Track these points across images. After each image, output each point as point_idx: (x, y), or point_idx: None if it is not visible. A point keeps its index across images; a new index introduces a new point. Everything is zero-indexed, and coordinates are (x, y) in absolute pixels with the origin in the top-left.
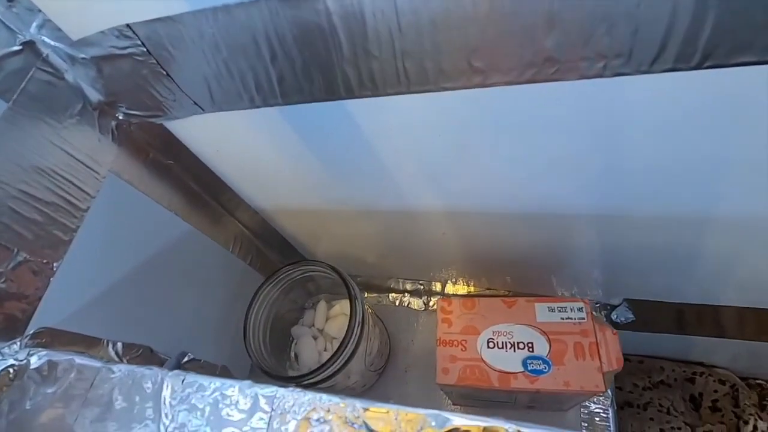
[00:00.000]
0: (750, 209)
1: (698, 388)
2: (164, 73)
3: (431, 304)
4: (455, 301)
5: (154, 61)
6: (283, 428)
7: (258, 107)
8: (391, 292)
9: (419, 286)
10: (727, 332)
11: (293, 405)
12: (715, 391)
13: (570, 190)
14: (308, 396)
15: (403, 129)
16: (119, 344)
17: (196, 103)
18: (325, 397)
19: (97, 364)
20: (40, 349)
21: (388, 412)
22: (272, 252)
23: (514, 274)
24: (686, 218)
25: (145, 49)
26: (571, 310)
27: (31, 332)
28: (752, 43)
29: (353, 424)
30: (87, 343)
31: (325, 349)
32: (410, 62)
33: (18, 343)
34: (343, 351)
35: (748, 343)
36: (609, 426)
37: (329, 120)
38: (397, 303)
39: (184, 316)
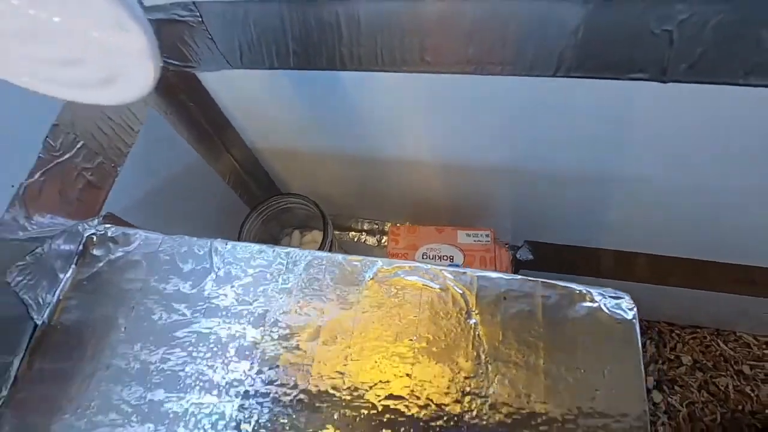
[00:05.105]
0: (625, 172)
1: None
2: (209, 37)
3: (383, 241)
4: (402, 227)
5: (204, 28)
6: (292, 271)
7: (275, 69)
8: (351, 231)
9: (374, 225)
10: (602, 273)
11: (301, 257)
12: None
13: (498, 151)
14: (306, 252)
15: (381, 94)
16: None
17: (227, 61)
18: (322, 253)
19: (159, 235)
20: (110, 225)
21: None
22: (257, 187)
23: (449, 218)
24: (578, 177)
25: (200, 20)
26: (481, 235)
27: (102, 215)
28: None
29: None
30: None
31: None
32: (386, 51)
33: (96, 221)
34: None
35: (619, 282)
36: None
37: (327, 85)
38: (355, 240)
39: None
